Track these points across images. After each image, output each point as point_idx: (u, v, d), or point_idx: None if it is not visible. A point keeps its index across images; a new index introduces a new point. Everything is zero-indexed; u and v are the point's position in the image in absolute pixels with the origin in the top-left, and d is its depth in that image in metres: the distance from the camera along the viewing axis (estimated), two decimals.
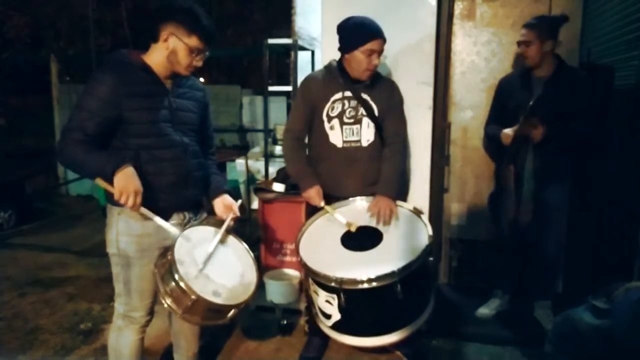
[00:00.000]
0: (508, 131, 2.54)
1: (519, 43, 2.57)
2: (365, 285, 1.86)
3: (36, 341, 2.74)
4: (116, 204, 1.71)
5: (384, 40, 2.16)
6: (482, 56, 3.09)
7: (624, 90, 2.65)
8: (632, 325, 1.35)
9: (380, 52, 2.16)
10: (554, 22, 2.54)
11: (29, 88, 11.86)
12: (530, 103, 2.41)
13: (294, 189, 2.80)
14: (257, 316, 2.91)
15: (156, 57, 1.77)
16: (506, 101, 2.68)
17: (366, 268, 1.89)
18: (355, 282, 1.87)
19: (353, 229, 2.11)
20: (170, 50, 1.73)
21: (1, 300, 3.31)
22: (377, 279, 1.84)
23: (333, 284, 1.90)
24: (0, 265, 4.01)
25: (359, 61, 2.16)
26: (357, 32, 2.15)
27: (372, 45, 2.12)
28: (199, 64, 1.79)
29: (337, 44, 2.22)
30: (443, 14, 2.53)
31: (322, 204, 2.23)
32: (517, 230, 2.68)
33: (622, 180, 2.59)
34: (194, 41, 1.73)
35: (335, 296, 1.94)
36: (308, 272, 2.04)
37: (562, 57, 2.63)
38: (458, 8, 3.06)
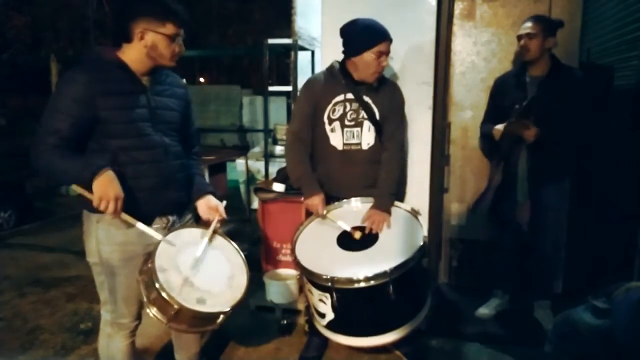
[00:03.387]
0: (499, 127, 2.55)
1: (520, 36, 2.53)
2: (358, 285, 1.85)
3: (36, 341, 2.74)
4: (94, 210, 1.60)
5: (391, 42, 2.16)
6: (482, 56, 3.09)
7: (624, 90, 2.65)
8: (632, 325, 1.35)
9: (387, 53, 2.17)
10: (554, 23, 2.55)
11: (29, 88, 11.84)
12: (524, 104, 2.40)
13: (294, 189, 2.80)
14: (257, 316, 2.91)
15: (133, 54, 1.67)
16: (501, 100, 2.67)
17: (359, 267, 1.89)
18: (347, 281, 1.87)
19: (357, 237, 2.10)
20: (149, 47, 1.64)
21: (1, 300, 3.31)
22: (369, 278, 1.84)
23: (325, 283, 1.90)
24: (0, 265, 4.01)
25: (368, 63, 2.14)
26: (366, 35, 2.14)
27: (381, 47, 2.12)
28: (182, 49, 1.71)
29: (337, 44, 2.22)
30: (443, 14, 2.53)
31: (325, 212, 2.22)
32: (514, 229, 2.68)
33: (622, 180, 2.58)
34: (170, 28, 1.64)
35: (328, 295, 1.94)
36: (302, 271, 2.04)
37: (562, 57, 2.62)
38: (458, 8, 3.06)
